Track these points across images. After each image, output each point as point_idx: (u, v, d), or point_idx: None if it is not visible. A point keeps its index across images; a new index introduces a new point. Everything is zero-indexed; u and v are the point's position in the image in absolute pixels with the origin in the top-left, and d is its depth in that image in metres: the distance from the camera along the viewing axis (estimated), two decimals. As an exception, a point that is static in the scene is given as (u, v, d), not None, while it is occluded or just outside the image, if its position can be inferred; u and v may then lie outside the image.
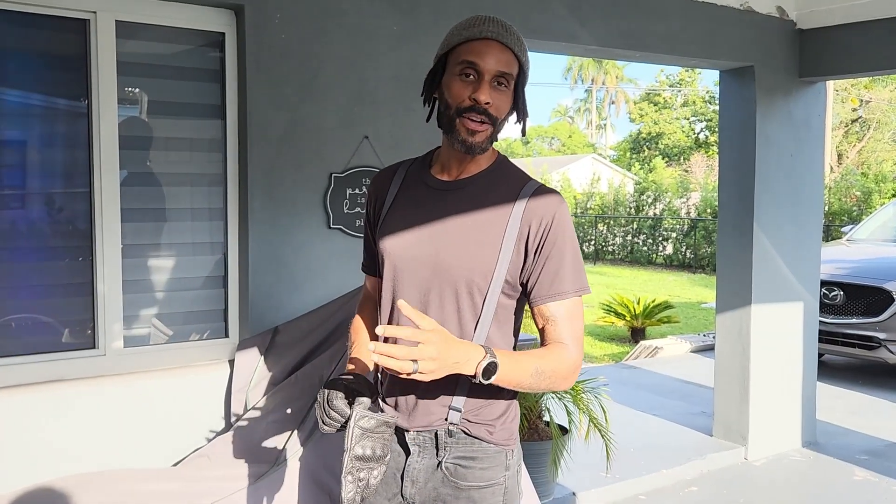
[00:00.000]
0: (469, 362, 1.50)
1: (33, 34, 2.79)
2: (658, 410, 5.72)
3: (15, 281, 2.79)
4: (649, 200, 22.08)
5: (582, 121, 54.77)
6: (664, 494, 4.27)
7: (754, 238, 4.65)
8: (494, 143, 1.71)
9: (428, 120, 1.78)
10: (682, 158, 37.22)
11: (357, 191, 3.24)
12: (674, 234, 20.60)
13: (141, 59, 2.93)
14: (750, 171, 4.63)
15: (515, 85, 1.68)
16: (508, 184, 1.71)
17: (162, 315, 3.04)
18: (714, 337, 8.50)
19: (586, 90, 52.69)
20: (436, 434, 1.67)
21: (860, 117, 26.82)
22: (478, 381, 1.52)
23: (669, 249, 20.61)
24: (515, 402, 1.75)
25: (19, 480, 2.54)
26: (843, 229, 8.87)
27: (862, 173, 20.36)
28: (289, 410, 2.67)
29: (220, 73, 3.06)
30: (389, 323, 1.75)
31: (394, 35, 3.28)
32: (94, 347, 2.88)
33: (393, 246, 1.74)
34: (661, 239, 20.89)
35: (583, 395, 3.97)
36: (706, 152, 36.24)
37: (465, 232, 1.68)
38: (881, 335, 6.53)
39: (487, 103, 1.62)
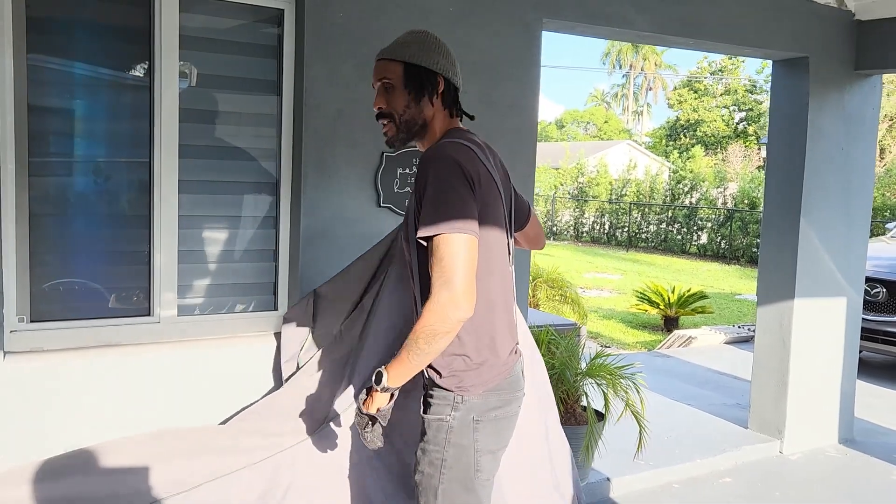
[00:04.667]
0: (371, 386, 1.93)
1: (99, 6, 2.84)
2: (692, 400, 5.71)
3: (75, 247, 2.87)
4: (685, 189, 21.85)
5: (618, 106, 54.18)
6: (698, 484, 4.27)
7: (800, 231, 4.60)
8: (419, 130, 2.07)
9: None
10: (719, 147, 36.69)
11: (407, 170, 3.26)
12: (709, 224, 20.38)
13: (202, 34, 2.97)
14: (800, 163, 4.57)
15: (408, 78, 2.02)
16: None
17: (214, 286, 3.10)
18: (749, 329, 8.47)
19: (624, 75, 52.08)
20: (423, 374, 2.03)
21: (907, 110, 26.13)
22: (382, 388, 1.89)
23: (704, 239, 20.40)
24: (475, 360, 1.95)
25: (73, 439, 2.63)
26: (887, 225, 8.70)
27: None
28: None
29: (277, 49, 3.09)
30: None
31: (449, 16, 3.29)
32: (149, 315, 2.95)
33: None
34: (695, 228, 20.68)
35: (620, 380, 3.97)
36: (744, 142, 35.66)
37: (409, 202, 2.06)
38: (923, 334, 6.43)
39: (380, 107, 2.07)
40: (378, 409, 1.92)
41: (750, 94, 38.93)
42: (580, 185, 25.71)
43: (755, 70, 44.53)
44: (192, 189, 2.98)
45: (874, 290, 6.69)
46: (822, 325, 4.82)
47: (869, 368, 6.95)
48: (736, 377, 6.51)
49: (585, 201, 24.67)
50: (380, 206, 3.22)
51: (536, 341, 4.19)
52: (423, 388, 2.06)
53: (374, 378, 1.90)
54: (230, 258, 3.12)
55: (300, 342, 2.89)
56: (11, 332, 2.70)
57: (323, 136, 3.08)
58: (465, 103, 3.32)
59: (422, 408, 2.03)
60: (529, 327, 4.07)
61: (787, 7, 4.38)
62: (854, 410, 5.11)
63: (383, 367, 1.89)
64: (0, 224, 2.61)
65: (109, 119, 2.92)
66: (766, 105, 35.94)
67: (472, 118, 2.17)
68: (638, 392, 3.95)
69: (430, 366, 1.99)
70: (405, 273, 2.17)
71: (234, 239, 3.12)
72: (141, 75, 2.89)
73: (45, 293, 2.80)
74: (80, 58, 2.84)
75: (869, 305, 6.60)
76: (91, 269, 2.90)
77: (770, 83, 4.81)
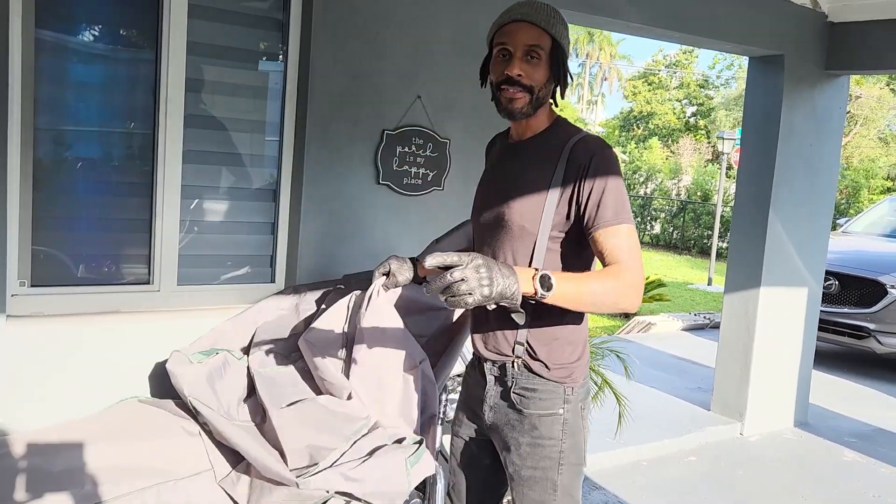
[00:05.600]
0: (523, 279, 1.61)
1: (107, -30, 2.82)
2: (655, 383, 5.91)
3: (78, 214, 2.85)
4: (640, 179, 22.26)
5: (574, 95, 54.63)
6: (666, 462, 4.45)
7: (769, 222, 4.80)
8: (540, 107, 1.93)
9: (493, 99, 1.97)
10: (670, 140, 37.36)
11: (406, 149, 3.31)
12: (662, 215, 20.81)
13: (210, 3, 2.96)
14: (771, 157, 4.76)
15: (553, 56, 1.88)
16: (558, 139, 1.91)
17: (213, 256, 3.11)
18: (705, 316, 8.76)
19: (580, 64, 52.51)
20: (504, 366, 1.96)
21: (848, 112, 27.00)
22: (539, 297, 1.64)
23: (657, 229, 20.84)
24: (580, 347, 1.95)
25: (73, 404, 2.63)
26: (838, 221, 9.07)
27: (852, 168, 20.65)
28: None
29: (285, 23, 3.10)
30: None
31: (454, 0, 3.34)
32: (149, 283, 2.95)
33: (476, 204, 2.09)
34: (649, 218, 21.10)
35: (600, 360, 4.12)
36: (695, 136, 36.39)
37: (519, 185, 1.92)
38: (871, 326, 6.77)
39: (519, 75, 1.86)
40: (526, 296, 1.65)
41: (702, 90, 39.67)
42: (537, 172, 25.93)
43: (707, 66, 45.40)
44: (195, 159, 2.98)
45: (827, 283, 6.97)
46: (785, 314, 5.04)
47: (820, 357, 7.25)
48: (695, 362, 6.75)
49: (541, 188, 24.90)
50: (378, 183, 3.27)
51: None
52: (505, 377, 1.96)
53: (541, 278, 1.63)
54: (230, 229, 3.14)
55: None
56: (13, 295, 2.68)
57: (326, 112, 3.11)
58: (468, 85, 3.40)
59: (513, 402, 1.94)
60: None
61: (767, 6, 4.54)
62: (809, 396, 5.37)
63: (549, 272, 1.66)
64: (5, 188, 2.58)
65: (115, 87, 2.89)
66: (717, 100, 36.71)
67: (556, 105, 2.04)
68: (626, 370, 4.10)
69: (529, 356, 1.91)
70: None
71: (235, 210, 3.13)
72: (148, 44, 2.87)
73: (47, 258, 2.78)
74: (87, 26, 2.81)
75: (822, 297, 6.89)
76: (93, 236, 2.88)
77: (747, 79, 4.98)
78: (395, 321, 2.52)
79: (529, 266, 1.86)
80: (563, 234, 1.87)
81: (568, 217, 1.85)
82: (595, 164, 1.81)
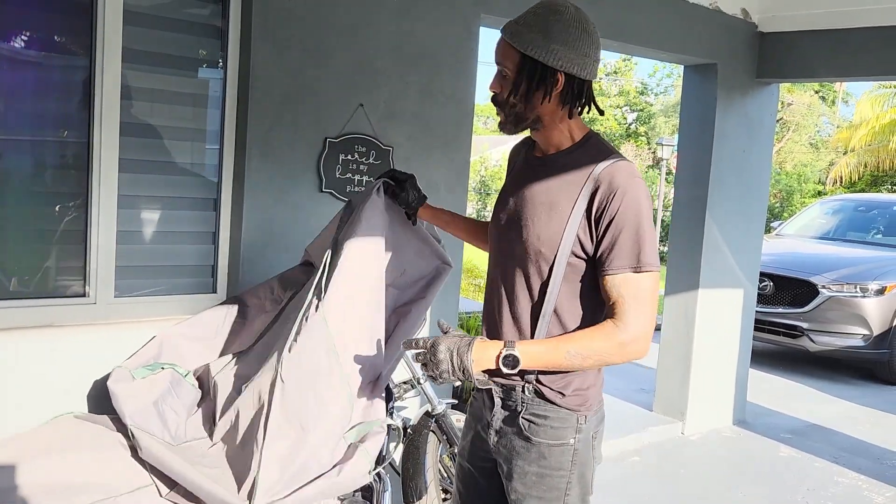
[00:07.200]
0: (485, 359, 1.72)
1: (38, -25, 2.75)
2: (599, 386, 6.00)
3: (10, 226, 2.77)
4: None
5: (518, 102, 55.13)
6: (610, 463, 4.52)
7: (705, 227, 4.93)
8: (522, 122, 1.85)
9: None
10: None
11: (349, 157, 3.31)
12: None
13: (146, 10, 2.91)
14: (706, 162, 4.90)
15: (521, 69, 1.78)
16: (588, 160, 1.80)
17: (152, 267, 3.05)
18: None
19: (524, 71, 53.03)
20: (514, 388, 1.85)
21: (781, 119, 27.90)
22: (506, 373, 1.73)
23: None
24: (595, 374, 1.85)
25: (2, 423, 2.55)
26: (772, 224, 9.36)
27: (785, 172, 21.33)
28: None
29: (224, 30, 3.07)
30: (488, 286, 1.98)
31: (394, 8, 3.35)
32: (85, 296, 2.88)
33: (493, 216, 1.98)
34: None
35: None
36: (635, 142, 37.15)
37: (539, 204, 1.82)
38: (804, 325, 7.00)
39: (494, 91, 1.84)
40: (479, 374, 1.73)
41: (641, 96, 40.51)
42: (482, 178, 26.12)
43: (647, 73, 46.39)
44: (132, 168, 2.92)
45: (762, 284, 7.21)
46: (722, 315, 5.18)
47: (757, 356, 7.46)
48: (637, 364, 6.86)
49: (488, 194, 25.09)
50: (322, 191, 3.25)
51: (466, 328, 4.34)
52: (514, 402, 1.85)
53: (504, 358, 1.69)
54: (169, 239, 3.08)
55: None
56: (-60, 311, 2.59)
57: (267, 120, 3.09)
58: (410, 92, 3.42)
59: (521, 429, 1.84)
60: (459, 314, 4.20)
61: (700, 17, 4.67)
62: (747, 394, 5.52)
63: (515, 349, 1.70)
64: (-69, 198, 2.49)
65: (47, 95, 2.82)
66: (656, 107, 37.55)
67: (601, 113, 1.92)
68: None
69: (541, 382, 1.80)
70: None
71: (174, 220, 3.08)
72: (82, 51, 2.81)
73: (-24, 271, 2.69)
74: (17, 31, 2.73)
75: (758, 298, 7.09)
76: (25, 247, 2.80)
77: (682, 87, 5.12)
78: (381, 234, 2.46)
79: (545, 294, 1.79)
80: (584, 262, 1.78)
81: (587, 248, 1.76)
82: (617, 200, 1.70)
